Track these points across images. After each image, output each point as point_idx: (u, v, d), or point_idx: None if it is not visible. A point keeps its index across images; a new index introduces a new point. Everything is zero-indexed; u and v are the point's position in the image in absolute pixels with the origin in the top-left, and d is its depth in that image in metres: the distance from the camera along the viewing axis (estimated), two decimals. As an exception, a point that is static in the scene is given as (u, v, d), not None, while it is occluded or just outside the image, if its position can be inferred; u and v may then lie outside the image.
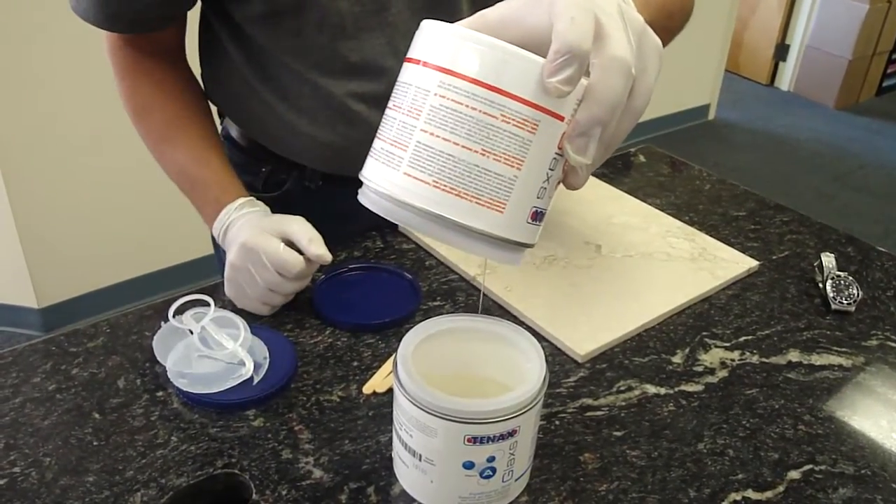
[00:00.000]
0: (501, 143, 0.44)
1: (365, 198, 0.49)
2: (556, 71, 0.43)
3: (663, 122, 3.76)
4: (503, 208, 0.46)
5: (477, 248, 0.47)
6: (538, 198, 0.47)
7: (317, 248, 0.73)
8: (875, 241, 0.98)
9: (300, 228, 0.75)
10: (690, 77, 3.76)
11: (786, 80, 4.43)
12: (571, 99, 0.45)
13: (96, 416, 0.66)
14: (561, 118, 0.45)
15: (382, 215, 0.47)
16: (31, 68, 1.94)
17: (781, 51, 4.39)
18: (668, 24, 0.75)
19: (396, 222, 0.47)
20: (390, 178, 0.46)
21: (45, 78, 1.96)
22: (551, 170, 0.47)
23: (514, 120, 0.44)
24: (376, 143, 0.48)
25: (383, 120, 0.48)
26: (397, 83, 0.48)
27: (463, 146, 0.44)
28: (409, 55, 0.47)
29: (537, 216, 0.48)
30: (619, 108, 0.46)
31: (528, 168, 0.45)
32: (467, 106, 0.44)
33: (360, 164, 0.49)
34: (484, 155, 0.44)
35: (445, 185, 0.44)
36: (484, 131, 0.44)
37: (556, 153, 0.46)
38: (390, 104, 0.48)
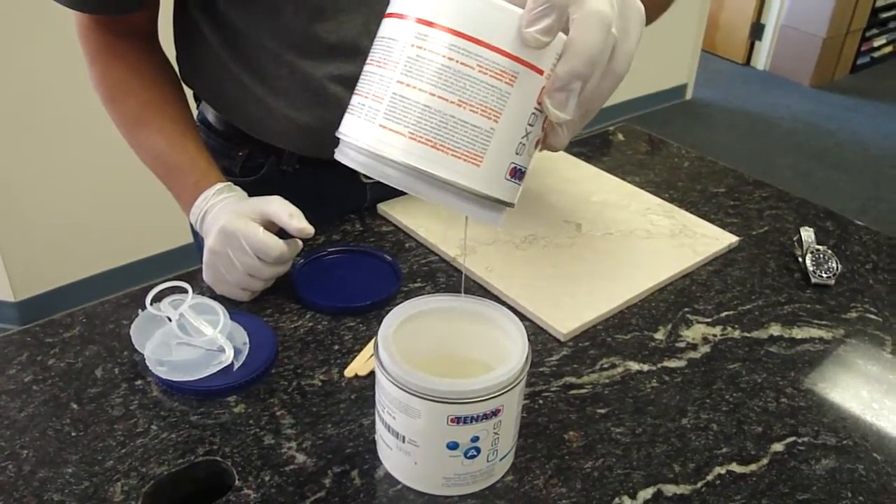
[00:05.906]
0: (478, 93, 0.44)
1: (342, 154, 0.48)
2: (535, 20, 0.43)
3: (641, 102, 3.77)
4: (480, 161, 0.45)
5: (456, 204, 0.46)
6: (517, 154, 0.46)
7: (298, 221, 0.73)
8: (852, 217, 0.98)
9: (279, 207, 0.74)
10: (667, 57, 3.77)
11: (761, 59, 4.45)
12: (551, 54, 0.45)
13: (74, 406, 0.65)
14: (540, 72, 0.45)
15: (359, 170, 0.46)
16: (2, 58, 1.90)
17: (757, 30, 4.41)
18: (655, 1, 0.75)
19: (373, 176, 0.46)
20: (367, 132, 0.45)
21: (16, 67, 1.93)
22: (530, 125, 0.46)
23: (491, 71, 0.44)
24: (354, 99, 0.47)
25: (361, 76, 0.47)
26: (376, 40, 0.47)
27: (439, 97, 0.44)
28: (388, 11, 0.47)
29: (516, 173, 0.47)
30: (599, 64, 0.46)
31: (506, 121, 0.45)
32: (444, 56, 0.43)
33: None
34: (460, 106, 0.44)
35: (422, 137, 0.44)
36: (460, 82, 0.43)
37: (536, 108, 0.46)
38: (368, 60, 0.47)
